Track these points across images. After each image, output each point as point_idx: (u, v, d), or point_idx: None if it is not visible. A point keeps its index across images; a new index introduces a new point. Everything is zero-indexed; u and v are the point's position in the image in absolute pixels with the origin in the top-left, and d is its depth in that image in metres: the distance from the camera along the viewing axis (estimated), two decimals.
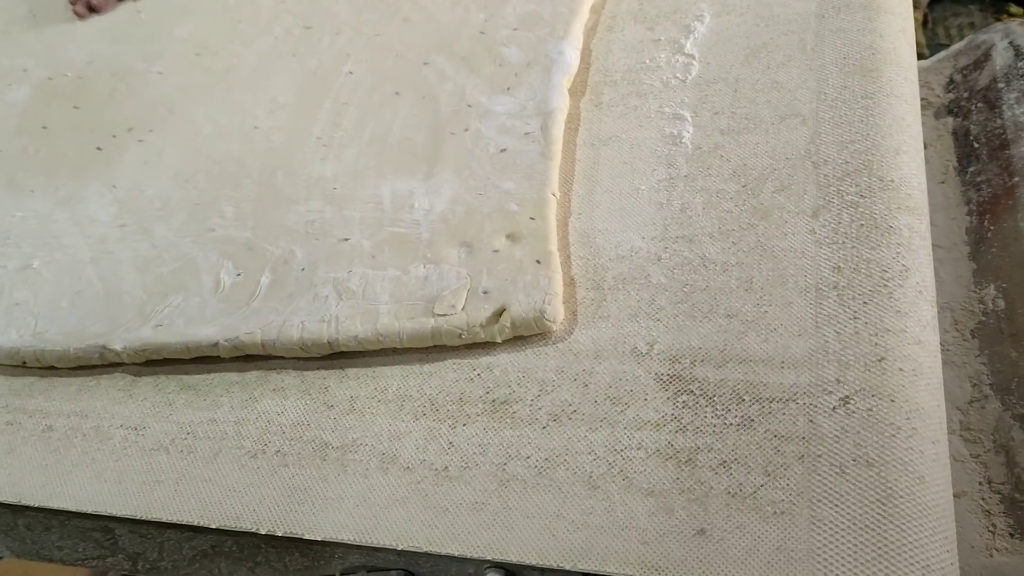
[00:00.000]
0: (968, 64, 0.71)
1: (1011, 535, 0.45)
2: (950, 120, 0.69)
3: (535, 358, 0.47)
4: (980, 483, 0.48)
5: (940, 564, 0.36)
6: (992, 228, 0.58)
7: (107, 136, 0.67)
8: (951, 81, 0.72)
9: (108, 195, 0.62)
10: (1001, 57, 0.66)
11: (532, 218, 0.51)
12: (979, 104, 0.67)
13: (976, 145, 0.65)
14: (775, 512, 0.38)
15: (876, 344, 0.42)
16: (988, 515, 0.47)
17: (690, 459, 0.41)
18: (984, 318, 0.54)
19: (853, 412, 0.40)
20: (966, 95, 0.69)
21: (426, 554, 0.42)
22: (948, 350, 0.53)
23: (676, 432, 0.42)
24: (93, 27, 0.78)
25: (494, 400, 0.46)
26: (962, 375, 0.53)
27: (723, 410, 0.42)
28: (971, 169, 0.64)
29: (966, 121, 0.67)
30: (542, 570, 0.41)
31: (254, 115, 0.64)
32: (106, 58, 0.74)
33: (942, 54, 0.74)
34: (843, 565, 0.36)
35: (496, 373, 0.47)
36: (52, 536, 0.53)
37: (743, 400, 0.42)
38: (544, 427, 0.44)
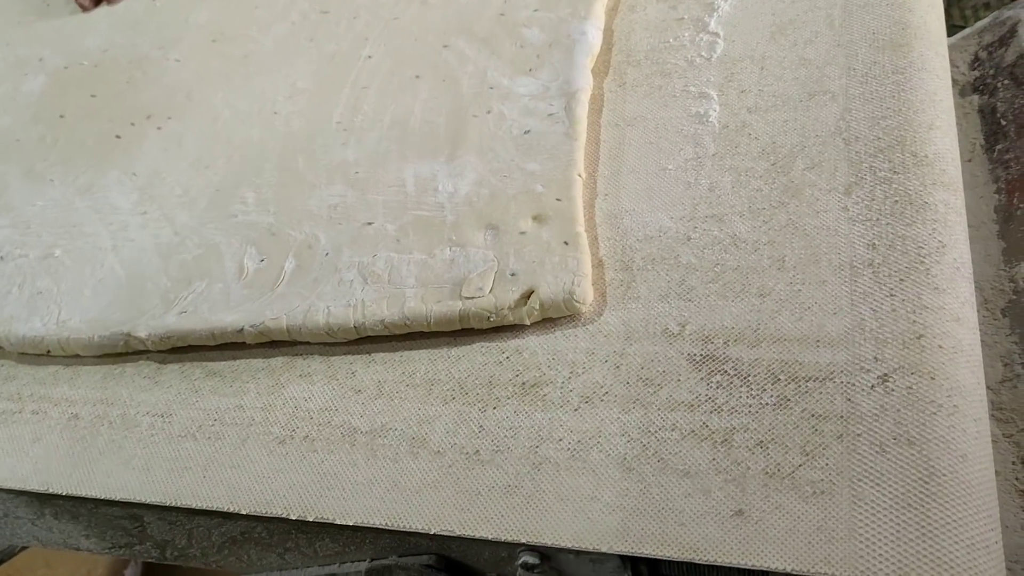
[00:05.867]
0: (993, 41, 0.70)
1: None
2: (976, 98, 0.68)
3: (565, 340, 0.46)
4: (1013, 463, 0.48)
5: (984, 542, 0.35)
6: (1021, 206, 0.57)
7: (125, 124, 0.66)
8: (976, 59, 0.71)
9: (128, 183, 0.62)
10: None
11: (558, 199, 0.50)
12: (1005, 81, 0.66)
13: (1003, 123, 0.64)
14: (814, 492, 0.38)
15: (914, 321, 0.41)
16: (1022, 495, 0.46)
17: (726, 439, 0.40)
18: (1015, 296, 0.54)
19: (892, 390, 0.39)
20: (992, 72, 0.68)
21: (458, 538, 0.42)
22: (979, 329, 0.53)
23: (711, 413, 0.41)
24: (108, 16, 0.77)
25: (524, 383, 0.45)
26: (993, 354, 0.52)
27: (758, 390, 0.41)
28: (999, 147, 0.63)
29: (992, 99, 0.66)
30: (577, 553, 0.41)
31: (273, 100, 0.64)
32: (122, 46, 0.73)
33: (966, 31, 0.73)
34: (886, 544, 0.36)
35: (525, 356, 0.46)
36: (79, 525, 0.52)
37: (778, 380, 0.41)
38: (576, 409, 0.43)
